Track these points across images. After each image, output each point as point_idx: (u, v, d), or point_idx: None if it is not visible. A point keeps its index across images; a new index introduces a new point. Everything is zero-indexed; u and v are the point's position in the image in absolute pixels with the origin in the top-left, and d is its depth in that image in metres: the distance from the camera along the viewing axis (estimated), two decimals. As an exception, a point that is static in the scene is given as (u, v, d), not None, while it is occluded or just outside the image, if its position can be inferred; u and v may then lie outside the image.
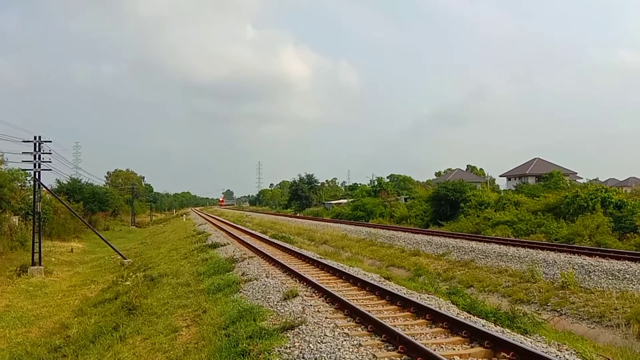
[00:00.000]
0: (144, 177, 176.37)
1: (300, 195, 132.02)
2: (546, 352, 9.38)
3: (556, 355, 9.41)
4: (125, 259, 39.48)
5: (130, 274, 30.00)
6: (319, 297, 14.68)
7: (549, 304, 19.02)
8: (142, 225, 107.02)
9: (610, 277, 19.77)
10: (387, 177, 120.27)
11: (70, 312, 24.70)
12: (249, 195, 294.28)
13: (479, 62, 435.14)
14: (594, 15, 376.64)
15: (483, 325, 11.30)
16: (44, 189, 43.50)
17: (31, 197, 42.85)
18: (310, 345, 10.00)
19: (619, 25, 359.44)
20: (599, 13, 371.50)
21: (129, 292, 22.50)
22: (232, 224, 65.57)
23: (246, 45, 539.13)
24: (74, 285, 32.23)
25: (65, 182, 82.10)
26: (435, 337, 10.49)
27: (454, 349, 9.71)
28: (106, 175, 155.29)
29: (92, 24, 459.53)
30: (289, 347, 10.08)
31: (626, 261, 21.61)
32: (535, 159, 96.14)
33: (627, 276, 19.48)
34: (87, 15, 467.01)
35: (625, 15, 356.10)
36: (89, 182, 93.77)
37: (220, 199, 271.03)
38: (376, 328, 10.80)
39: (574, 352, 10.24)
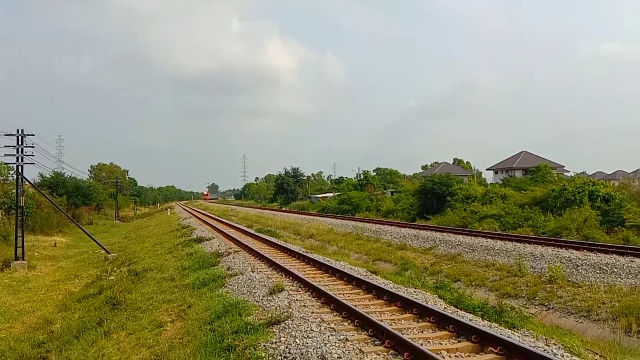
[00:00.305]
0: (128, 171, 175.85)
1: (286, 189, 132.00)
2: (534, 346, 9.40)
3: (544, 350, 9.42)
4: (109, 253, 39.27)
5: (115, 268, 29.87)
6: (305, 292, 14.67)
7: (536, 298, 19.07)
8: (126, 219, 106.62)
9: (598, 271, 19.83)
10: (374, 171, 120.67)
11: (53, 307, 24.53)
12: (234, 189, 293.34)
13: (467, 54, 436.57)
14: (582, 7, 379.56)
15: (470, 320, 11.32)
16: (26, 182, 43.11)
17: (14, 191, 42.50)
18: (297, 340, 9.97)
19: (606, 17, 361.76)
20: (588, 4, 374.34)
21: (113, 287, 22.37)
22: (217, 218, 65.45)
23: (232, 39, 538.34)
24: (57, 280, 32.03)
25: (49, 176, 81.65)
26: (422, 332, 10.49)
27: (441, 344, 9.71)
28: (90, 169, 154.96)
29: (77, 18, 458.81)
30: (275, 342, 10.06)
31: (614, 255, 21.68)
32: (523, 152, 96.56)
33: (615, 270, 19.55)
34: (71, 8, 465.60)
35: (613, 6, 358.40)
36: (72, 176, 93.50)
37: (205, 193, 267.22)
38: (363, 323, 10.80)
39: (562, 346, 10.26)
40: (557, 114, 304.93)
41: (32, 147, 40.23)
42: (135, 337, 14.77)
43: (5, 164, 43.90)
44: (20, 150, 39.06)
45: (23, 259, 36.24)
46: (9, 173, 53.39)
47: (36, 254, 41.59)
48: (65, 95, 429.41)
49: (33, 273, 34.36)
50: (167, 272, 23.43)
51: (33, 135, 40.21)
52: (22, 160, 39.31)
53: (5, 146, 39.41)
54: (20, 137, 39.01)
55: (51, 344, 17.60)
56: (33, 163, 41.45)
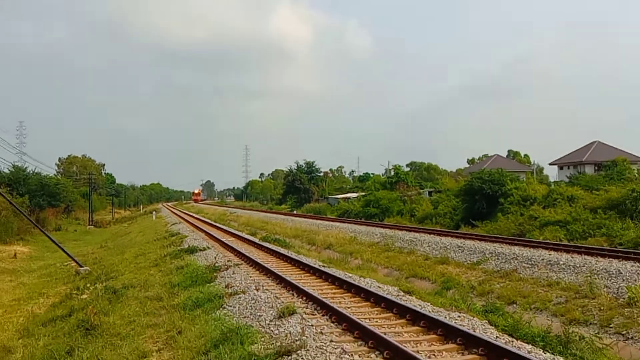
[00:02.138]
0: (104, 165, 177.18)
1: (298, 188, 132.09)
2: (608, 386, 9.34)
3: (621, 390, 9.37)
4: (82, 266, 39.45)
5: (88, 285, 30.00)
6: (322, 315, 14.68)
7: (611, 326, 18.89)
8: (102, 224, 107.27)
9: (691, 292, 19.64)
10: (407, 166, 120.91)
11: (13, 332, 24.62)
12: (234, 188, 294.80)
13: (527, 18, 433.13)
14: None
15: (529, 352, 11.28)
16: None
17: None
18: (312, 375, 9.97)
19: None
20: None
21: (86, 308, 22.41)
22: (213, 223, 65.72)
23: (230, 1, 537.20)
24: (18, 299, 32.22)
25: (7, 171, 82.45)
26: (468, 367, 10.46)
27: (492, 381, 9.67)
28: (57, 162, 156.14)
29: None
30: (285, 378, 10.06)
31: None
32: (595, 142, 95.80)
33: None
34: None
35: None
36: (36, 171, 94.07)
37: (195, 192, 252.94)
38: (394, 354, 10.78)
39: (643, 385, 10.20)
40: (636, 95, 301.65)
41: (-13, 135, 40.55)
42: (113, 370, 14.82)
43: (-46, 155, 44.19)
44: (-28, 139, 39.37)
45: (-24, 273, 36.51)
46: (-41, 168, 53.89)
47: (-8, 266, 41.89)
48: (28, 71, 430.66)
49: (-12, 290, 34.60)
50: (152, 289, 23.49)
51: (-12, 120, 40.53)
52: (-25, 151, 39.60)
53: (-47, 135, 39.76)
54: (-29, 124, 39.29)
55: (10, 379, 17.71)
56: (-13, 155, 41.76)
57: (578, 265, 25.16)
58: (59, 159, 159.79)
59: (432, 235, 41.01)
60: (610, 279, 22.55)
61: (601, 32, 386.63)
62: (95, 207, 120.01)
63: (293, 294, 17.84)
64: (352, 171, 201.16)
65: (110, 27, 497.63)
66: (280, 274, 21.28)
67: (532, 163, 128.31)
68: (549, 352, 12.13)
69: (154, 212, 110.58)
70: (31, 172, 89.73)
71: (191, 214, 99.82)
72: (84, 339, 18.81)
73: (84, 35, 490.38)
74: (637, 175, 61.25)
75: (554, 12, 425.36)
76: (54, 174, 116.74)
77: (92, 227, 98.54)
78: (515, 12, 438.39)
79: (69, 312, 23.94)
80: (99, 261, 44.17)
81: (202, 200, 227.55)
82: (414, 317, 13.80)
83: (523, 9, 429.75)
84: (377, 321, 13.91)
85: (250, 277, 21.84)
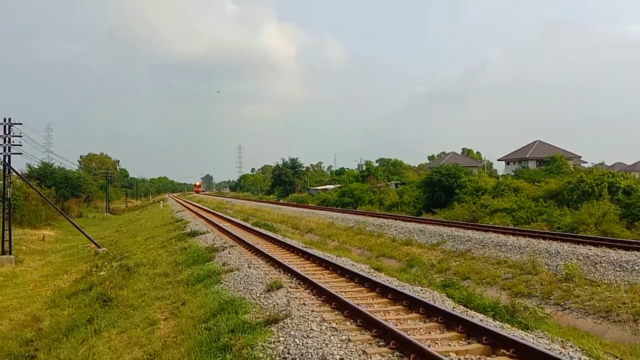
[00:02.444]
0: (118, 162, 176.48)
1: (284, 181, 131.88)
2: (549, 349, 9.33)
3: (560, 352, 9.35)
4: (100, 247, 39.28)
5: (105, 263, 29.91)
6: (305, 289, 14.62)
7: (551, 298, 18.95)
8: (117, 212, 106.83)
9: (618, 269, 19.65)
10: (377, 162, 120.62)
11: (42, 304, 24.55)
12: (229, 181, 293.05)
13: (479, 34, 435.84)
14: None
15: (481, 320, 11.25)
16: (14, 173, 43.15)
17: (0, 182, 42.48)
18: (296, 340, 9.91)
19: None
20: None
21: (104, 283, 22.40)
22: (211, 211, 65.41)
23: (227, 21, 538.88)
24: (46, 276, 32.07)
25: (37, 167, 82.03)
26: (429, 333, 10.42)
27: (449, 345, 9.64)
28: (79, 159, 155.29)
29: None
30: (274, 342, 10.00)
31: (635, 252, 21.44)
32: (537, 141, 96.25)
33: (637, 268, 19.32)
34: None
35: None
36: (61, 166, 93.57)
37: (196, 184, 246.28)
38: (366, 322, 10.73)
39: (579, 349, 10.18)
40: (574, 99, 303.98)
41: (20, 136, 40.27)
42: (127, 335, 14.77)
43: (-8, 154, 43.69)
44: (7, 140, 39.07)
45: (10, 254, 36.33)
46: (-4, 164, 53.42)
47: (24, 248, 41.69)
48: (53, 82, 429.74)
49: (21, 268, 34.44)
50: (160, 267, 23.45)
51: (21, 124, 40.23)
52: (9, 150, 39.32)
53: (-9, 136, 39.44)
54: (7, 127, 39.02)
55: (40, 342, 17.61)
56: (21, 153, 41.53)
57: (523, 246, 25.19)
58: (80, 156, 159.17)
59: (398, 221, 40.95)
60: (550, 258, 22.58)
61: (542, 43, 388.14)
62: (111, 197, 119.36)
63: (280, 271, 17.76)
64: (330, 166, 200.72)
65: (122, 43, 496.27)
66: (269, 254, 21.21)
67: (483, 159, 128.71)
68: (498, 321, 12.10)
69: (161, 202, 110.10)
70: (57, 167, 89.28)
71: (193, 203, 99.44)
72: (102, 309, 18.80)
73: (98, 50, 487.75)
74: (572, 169, 61.51)
75: (499, 27, 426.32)
76: (76, 169, 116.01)
77: (109, 214, 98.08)
78: (468, 28, 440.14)
79: (89, 287, 23.90)
80: (114, 243, 44.05)
81: (202, 192, 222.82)
82: (383, 291, 13.76)
83: (474, 27, 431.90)
84: (351, 294, 13.84)
85: (244, 256, 21.75)
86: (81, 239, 45.25)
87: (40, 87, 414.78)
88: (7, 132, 38.95)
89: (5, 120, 39.12)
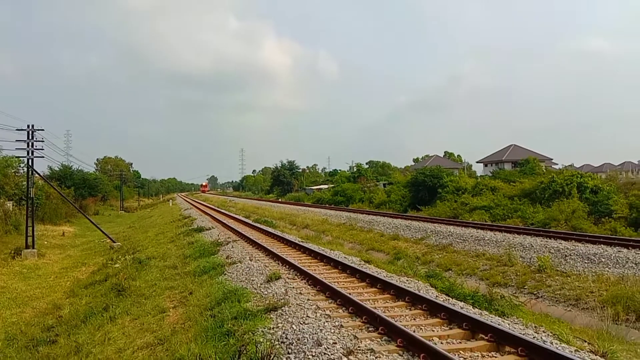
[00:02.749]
0: (132, 164, 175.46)
1: (282, 181, 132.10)
2: (524, 334, 9.33)
3: (533, 337, 9.35)
4: (115, 242, 39.20)
5: (119, 256, 29.85)
6: (301, 280, 14.61)
7: (526, 287, 19.00)
8: (130, 210, 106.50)
9: (586, 261, 19.73)
10: (366, 164, 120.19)
11: (62, 293, 24.50)
12: (232, 181, 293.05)
13: (455, 49, 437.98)
14: (568, 4, 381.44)
15: (461, 308, 11.25)
16: (36, 175, 43.07)
17: (24, 183, 42.43)
18: (293, 326, 9.91)
19: (593, 13, 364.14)
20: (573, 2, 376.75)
21: (118, 274, 22.37)
22: (216, 208, 65.39)
23: (229, 37, 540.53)
24: (65, 268, 32.00)
25: (57, 169, 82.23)
26: (414, 319, 10.43)
27: (433, 330, 9.64)
28: (96, 162, 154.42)
29: (78, 14, 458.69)
30: (273, 328, 10.00)
31: (601, 245, 21.59)
32: (512, 145, 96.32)
33: (603, 260, 19.45)
34: (73, 5, 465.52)
35: (598, 3, 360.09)
36: (79, 168, 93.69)
37: (203, 184, 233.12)
38: (357, 310, 10.73)
39: (550, 333, 10.20)
40: (546, 107, 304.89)
41: (42, 141, 40.22)
42: (139, 322, 14.80)
43: (16, 157, 43.56)
44: (30, 144, 39.04)
45: (33, 248, 36.28)
46: (20, 166, 53.27)
47: (45, 242, 41.60)
48: (73, 91, 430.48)
49: (43, 261, 34.38)
50: (169, 260, 23.42)
51: (43, 130, 40.23)
52: (32, 153, 39.27)
53: (16, 140, 39.46)
54: (30, 132, 38.98)
55: (60, 328, 17.61)
56: (43, 156, 41.50)
57: (499, 241, 25.19)
58: (97, 159, 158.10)
59: (386, 218, 40.97)
60: (524, 251, 22.61)
61: (517, 56, 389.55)
62: (125, 196, 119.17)
63: (278, 263, 17.76)
64: (324, 168, 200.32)
65: (134, 56, 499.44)
66: (268, 247, 21.21)
67: (463, 161, 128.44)
68: (477, 308, 12.12)
69: (170, 200, 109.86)
70: (75, 169, 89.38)
71: (200, 201, 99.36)
72: (117, 298, 18.81)
73: (113, 62, 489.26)
74: (544, 171, 61.57)
75: (477, 40, 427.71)
76: (93, 171, 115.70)
77: (123, 212, 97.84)
78: (441, 44, 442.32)
79: (105, 278, 23.86)
80: (128, 238, 43.95)
81: (208, 191, 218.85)
82: (373, 281, 13.76)
83: (451, 40, 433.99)
84: (343, 284, 13.85)
85: (245, 250, 21.74)
86: (97, 234, 45.18)
87: (61, 94, 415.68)
88: (30, 137, 38.92)
89: (28, 126, 39.09)
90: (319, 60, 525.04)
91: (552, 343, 9.19)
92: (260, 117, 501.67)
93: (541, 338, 9.47)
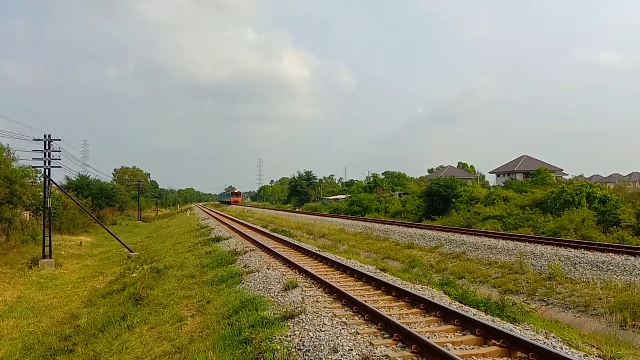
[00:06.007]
0: (149, 174, 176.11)
1: (299, 191, 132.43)
2: (534, 339, 9.40)
3: (544, 342, 9.43)
4: (132, 252, 39.44)
5: (137, 266, 30.00)
6: (318, 288, 14.69)
7: (536, 294, 19.05)
8: (147, 219, 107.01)
9: (595, 269, 19.79)
10: (382, 174, 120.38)
11: (79, 303, 24.68)
12: (250, 191, 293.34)
13: (469, 62, 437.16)
14: (577, 16, 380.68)
15: (474, 314, 11.32)
16: (53, 185, 43.44)
17: (41, 193, 42.78)
18: (310, 333, 10.01)
19: (600, 26, 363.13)
20: (582, 14, 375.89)
21: (136, 284, 22.47)
22: (234, 218, 65.45)
23: (248, 48, 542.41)
24: (83, 277, 32.24)
25: (74, 179, 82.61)
26: (428, 326, 10.51)
27: (446, 337, 9.73)
28: (113, 172, 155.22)
29: (98, 28, 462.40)
30: (290, 335, 10.10)
31: (610, 253, 21.67)
32: (523, 156, 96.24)
33: (611, 267, 19.53)
34: (93, 19, 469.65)
35: (611, 18, 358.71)
36: (96, 178, 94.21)
37: (235, 191, 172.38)
38: (372, 317, 10.82)
39: (560, 339, 10.26)
40: (557, 119, 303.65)
41: (59, 151, 40.59)
42: (157, 330, 14.88)
43: (33, 167, 44.18)
44: (47, 154, 39.40)
45: (50, 257, 36.59)
46: (37, 176, 53.82)
47: (63, 252, 41.91)
48: (91, 101, 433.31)
49: (60, 270, 34.64)
50: (187, 269, 23.52)
51: (60, 140, 40.57)
52: (49, 163, 39.63)
53: (33, 150, 39.82)
54: (47, 142, 39.35)
55: (77, 338, 17.71)
56: (60, 166, 41.88)
57: (511, 249, 25.23)
58: (114, 169, 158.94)
59: (401, 227, 40.99)
60: (535, 259, 22.64)
61: (527, 69, 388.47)
62: (143, 206, 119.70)
63: (295, 272, 17.83)
64: (341, 178, 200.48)
65: (153, 68, 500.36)
66: (285, 256, 21.29)
67: (476, 172, 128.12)
68: (489, 314, 12.19)
69: (188, 210, 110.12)
70: (93, 179, 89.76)
71: (217, 211, 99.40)
72: (135, 307, 18.89)
73: (131, 74, 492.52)
74: (555, 181, 61.47)
75: (490, 55, 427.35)
76: (111, 181, 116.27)
77: (140, 221, 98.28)
78: (453, 57, 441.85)
79: (123, 287, 24.00)
80: (145, 248, 44.18)
81: (239, 203, 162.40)
82: (388, 289, 13.84)
83: (465, 53, 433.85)
84: (359, 292, 13.91)
85: (263, 259, 21.83)
86: (115, 244, 45.44)
87: (79, 106, 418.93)
88: (47, 147, 39.25)
89: (45, 136, 39.43)
90: (337, 72, 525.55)
91: (561, 348, 9.27)
92: (278, 128, 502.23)
93: (551, 343, 9.54)
